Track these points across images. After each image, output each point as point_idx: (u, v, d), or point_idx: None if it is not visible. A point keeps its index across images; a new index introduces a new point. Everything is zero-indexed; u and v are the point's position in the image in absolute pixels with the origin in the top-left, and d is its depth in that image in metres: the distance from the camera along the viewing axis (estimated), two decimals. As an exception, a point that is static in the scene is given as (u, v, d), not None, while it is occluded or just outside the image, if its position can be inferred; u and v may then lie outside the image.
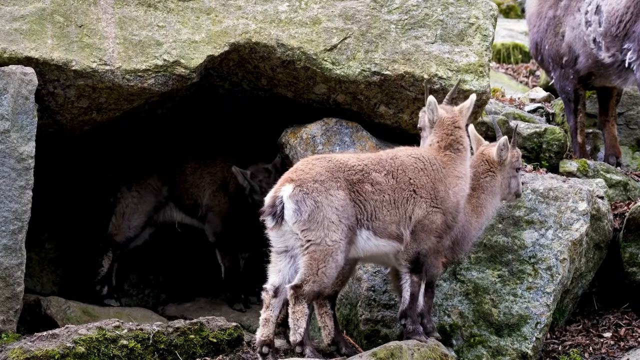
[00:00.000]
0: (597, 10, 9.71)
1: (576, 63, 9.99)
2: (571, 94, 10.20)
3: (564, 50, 10.06)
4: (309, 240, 6.87)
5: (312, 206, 6.87)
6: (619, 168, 10.01)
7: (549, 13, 10.24)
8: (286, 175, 7.02)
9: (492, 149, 7.68)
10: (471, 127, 7.85)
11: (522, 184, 8.32)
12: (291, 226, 6.87)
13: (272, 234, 6.97)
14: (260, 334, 6.97)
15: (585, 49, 9.85)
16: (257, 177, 9.10)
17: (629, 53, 9.55)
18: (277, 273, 6.98)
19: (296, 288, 6.84)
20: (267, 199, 6.97)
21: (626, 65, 9.60)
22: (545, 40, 10.25)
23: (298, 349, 6.92)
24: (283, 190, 6.90)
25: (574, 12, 9.95)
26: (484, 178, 7.63)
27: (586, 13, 9.82)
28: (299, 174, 6.97)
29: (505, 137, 7.66)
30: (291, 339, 6.90)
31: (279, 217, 6.86)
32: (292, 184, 6.90)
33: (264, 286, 6.99)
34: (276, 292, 6.95)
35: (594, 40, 9.75)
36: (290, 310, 6.87)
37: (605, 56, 9.72)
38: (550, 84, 10.78)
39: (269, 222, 6.90)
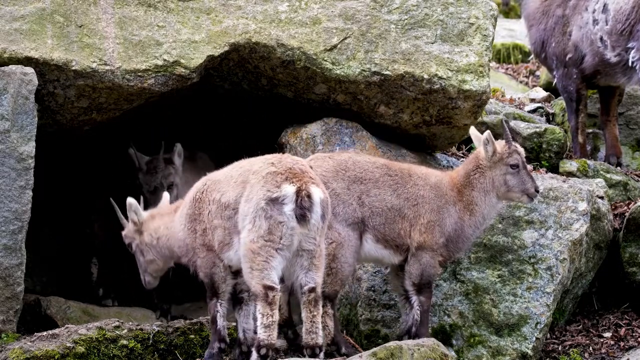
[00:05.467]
0: (604, 9, 9.74)
1: (582, 62, 10.00)
2: (573, 94, 10.20)
3: (569, 49, 10.07)
4: (319, 245, 6.79)
5: (329, 212, 6.83)
6: (618, 168, 10.02)
7: (557, 12, 10.25)
8: (306, 175, 6.80)
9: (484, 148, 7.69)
10: (472, 128, 7.86)
11: None
12: (314, 230, 6.71)
13: (284, 230, 6.67)
14: (272, 336, 6.66)
15: (592, 47, 9.86)
16: (154, 167, 8.97)
17: (632, 52, 9.58)
18: (272, 270, 6.68)
19: (315, 290, 6.76)
20: (291, 193, 6.64)
21: (629, 64, 9.62)
22: (552, 39, 10.26)
23: (333, 348, 6.97)
24: (315, 192, 6.70)
25: (582, 11, 9.97)
26: (473, 175, 7.62)
27: (594, 12, 9.85)
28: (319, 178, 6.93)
29: (488, 131, 7.65)
30: (319, 341, 6.75)
31: (306, 219, 6.64)
32: (319, 187, 6.77)
33: (271, 285, 6.66)
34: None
35: (601, 38, 9.77)
36: (315, 313, 6.73)
37: (611, 55, 9.74)
38: (553, 84, 10.80)
39: (291, 221, 6.66)
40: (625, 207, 9.18)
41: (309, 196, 6.65)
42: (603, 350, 8.18)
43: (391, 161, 7.76)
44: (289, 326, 7.55)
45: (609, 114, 10.38)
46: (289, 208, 6.66)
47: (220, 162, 8.63)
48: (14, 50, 7.80)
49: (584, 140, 10.28)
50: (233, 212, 6.85)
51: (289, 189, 6.67)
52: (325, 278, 7.11)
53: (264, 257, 6.68)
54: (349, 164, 7.46)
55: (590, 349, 8.21)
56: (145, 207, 7.63)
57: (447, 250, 7.54)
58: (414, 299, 7.51)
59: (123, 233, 7.52)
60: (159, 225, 7.37)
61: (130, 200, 7.44)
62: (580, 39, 9.97)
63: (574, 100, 10.22)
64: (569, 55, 10.08)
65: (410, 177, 7.53)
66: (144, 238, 7.39)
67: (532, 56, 13.49)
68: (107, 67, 7.94)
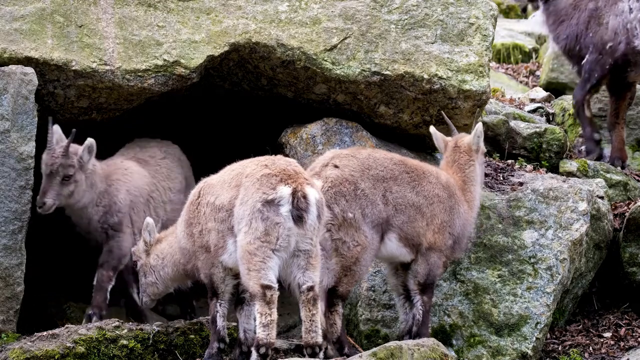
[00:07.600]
0: None
1: (617, 51, 10.02)
2: (594, 79, 10.17)
3: (608, 37, 10.09)
4: (315, 245, 6.80)
5: (325, 213, 6.85)
6: (619, 168, 10.01)
7: (590, 5, 10.28)
8: (301, 176, 6.82)
9: (465, 139, 7.69)
10: (432, 128, 7.85)
11: (522, 184, 8.33)
12: (310, 231, 6.73)
13: (281, 231, 6.71)
14: (271, 335, 6.67)
15: (627, 35, 9.92)
16: (56, 151, 7.96)
17: None
18: (269, 270, 6.68)
19: (314, 289, 6.80)
20: (287, 194, 6.69)
21: None
22: (589, 30, 10.24)
23: (336, 346, 7.02)
24: (310, 193, 6.73)
25: (618, 1, 10.02)
26: (468, 168, 7.62)
27: (629, 0, 9.93)
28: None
29: (480, 124, 7.68)
30: (318, 340, 6.75)
31: (303, 219, 6.68)
32: (314, 188, 6.78)
33: (269, 284, 6.67)
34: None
35: (635, 27, 9.84)
36: (315, 312, 6.73)
37: (638, 43, 9.80)
38: (582, 63, 10.78)
39: (288, 222, 6.69)
40: (625, 207, 9.19)
41: (304, 197, 6.68)
42: (603, 350, 8.18)
43: (406, 157, 7.70)
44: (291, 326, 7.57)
45: (618, 116, 10.37)
46: (285, 209, 6.67)
47: (220, 162, 8.65)
48: (14, 50, 7.80)
49: (591, 114, 10.25)
50: (226, 215, 6.87)
51: (285, 191, 6.68)
52: (342, 278, 7.14)
53: (261, 257, 6.69)
54: (370, 162, 7.33)
55: (590, 349, 8.21)
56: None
57: (452, 251, 7.54)
58: (417, 298, 7.50)
59: (132, 249, 7.63)
60: (165, 246, 7.48)
61: (149, 219, 7.53)
62: (617, 27, 10.00)
63: (590, 82, 10.17)
64: (609, 44, 10.08)
65: (424, 174, 7.47)
66: (150, 260, 7.49)
67: (531, 57, 13.51)
68: (107, 67, 7.94)
